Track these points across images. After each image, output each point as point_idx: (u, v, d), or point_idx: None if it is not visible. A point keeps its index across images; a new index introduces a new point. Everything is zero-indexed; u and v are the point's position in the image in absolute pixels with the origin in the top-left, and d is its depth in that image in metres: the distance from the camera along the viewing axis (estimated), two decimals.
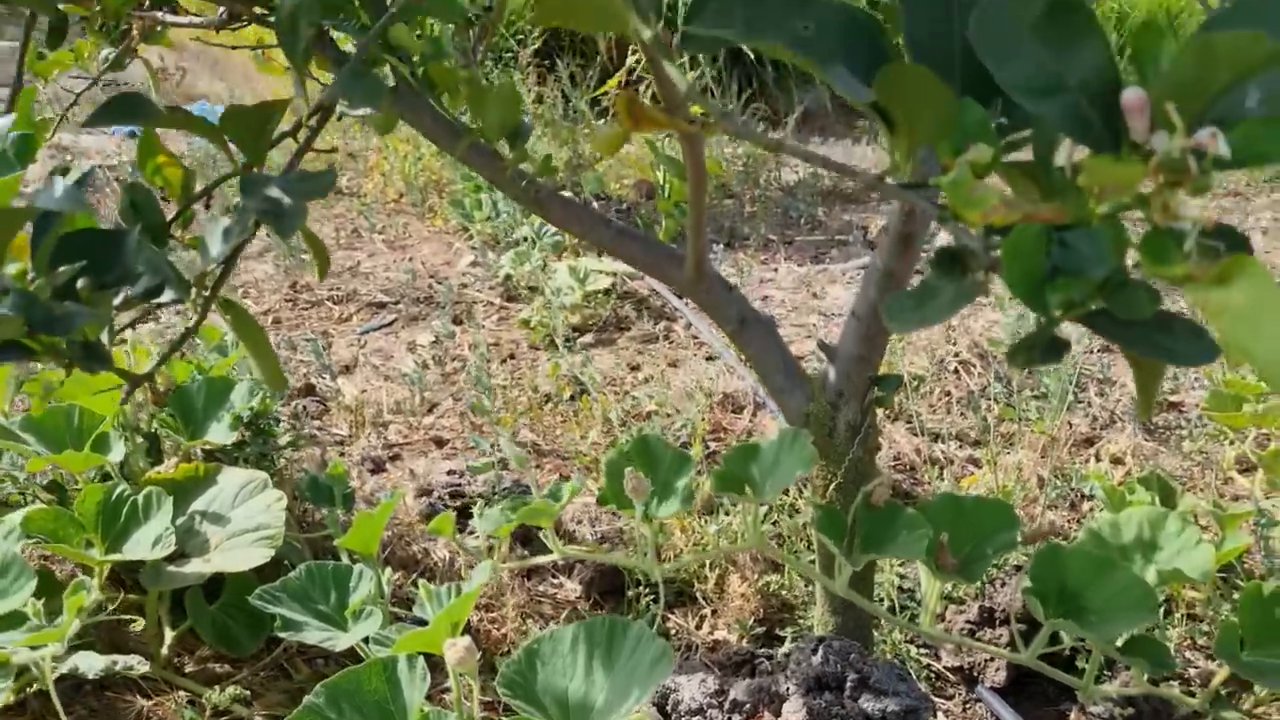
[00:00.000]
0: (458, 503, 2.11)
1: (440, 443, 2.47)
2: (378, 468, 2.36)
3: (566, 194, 4.10)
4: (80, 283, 0.73)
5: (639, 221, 3.78)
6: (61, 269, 0.72)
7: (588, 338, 3.15)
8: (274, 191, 0.78)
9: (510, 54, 6.29)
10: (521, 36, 6.73)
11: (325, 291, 3.48)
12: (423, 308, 3.42)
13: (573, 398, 2.67)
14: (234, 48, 1.59)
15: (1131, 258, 0.58)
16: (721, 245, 4.05)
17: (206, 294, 0.87)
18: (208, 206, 0.91)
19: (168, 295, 0.80)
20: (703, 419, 2.43)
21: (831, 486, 1.58)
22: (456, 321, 3.24)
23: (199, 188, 1.01)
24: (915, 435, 2.56)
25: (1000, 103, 0.64)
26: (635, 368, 2.93)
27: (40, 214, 0.70)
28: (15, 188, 0.89)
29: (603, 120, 5.66)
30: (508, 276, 3.53)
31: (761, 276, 3.86)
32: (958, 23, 0.64)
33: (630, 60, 5.09)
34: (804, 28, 0.65)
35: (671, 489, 1.55)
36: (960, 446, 2.57)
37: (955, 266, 0.64)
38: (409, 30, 1.47)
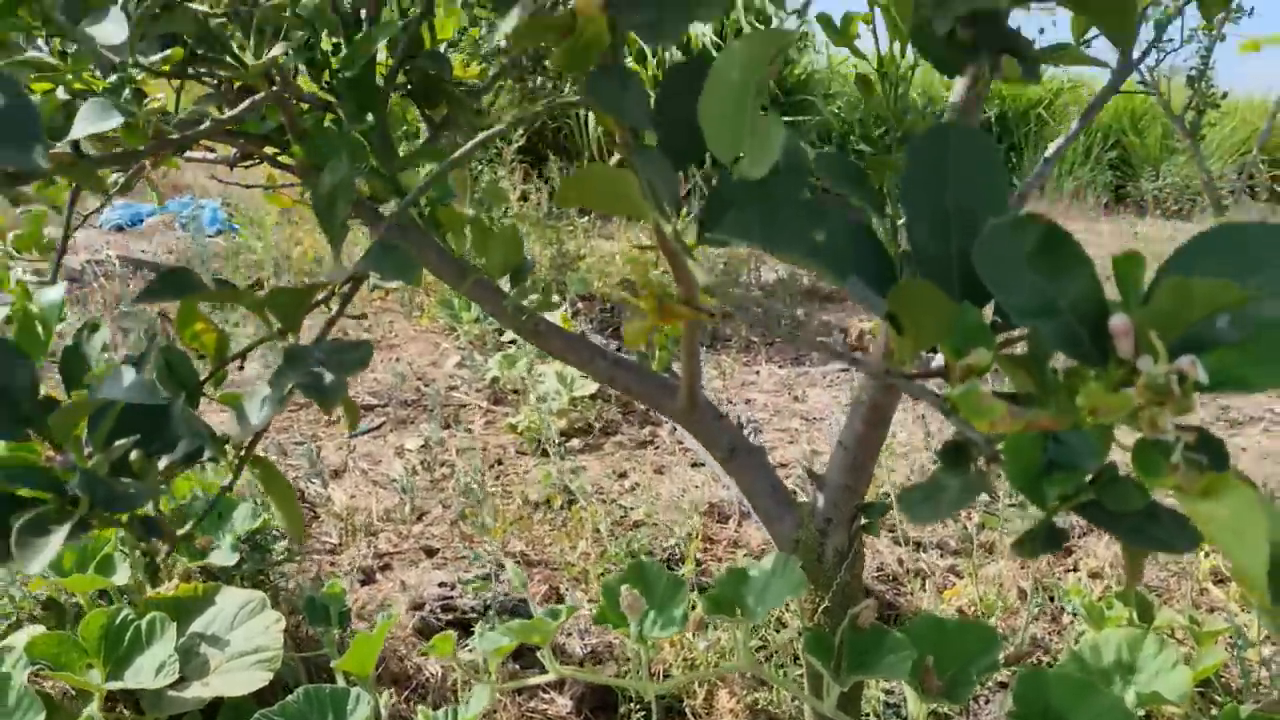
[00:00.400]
0: (450, 616, 2.13)
1: (430, 552, 2.50)
2: (368, 578, 2.37)
3: (556, 298, 4.16)
4: (133, 455, 0.78)
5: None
6: (118, 444, 0.76)
7: (575, 443, 3.20)
8: (316, 365, 0.83)
9: (495, 151, 6.42)
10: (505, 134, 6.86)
11: None
12: (411, 410, 3.45)
13: (562, 506, 2.70)
14: (248, 186, 1.65)
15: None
16: (704, 347, 4.12)
17: (241, 454, 0.91)
18: (241, 368, 0.96)
19: (206, 457, 0.85)
20: (694, 536, 2.47)
21: (819, 609, 1.62)
22: (444, 425, 3.28)
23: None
24: (898, 545, 2.60)
25: (994, 303, 0.71)
26: (622, 475, 2.97)
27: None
28: (48, 344, 0.94)
29: (586, 218, 5.77)
30: (495, 379, 3.58)
31: (744, 379, 3.92)
32: (954, 234, 0.71)
33: (613, 161, 5.20)
34: (818, 238, 0.71)
35: (666, 612, 1.58)
36: (941, 555, 2.61)
37: (960, 458, 0.70)
38: (417, 173, 1.54)
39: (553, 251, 5.11)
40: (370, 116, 1.43)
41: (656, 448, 3.18)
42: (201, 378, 0.95)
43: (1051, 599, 2.35)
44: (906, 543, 2.61)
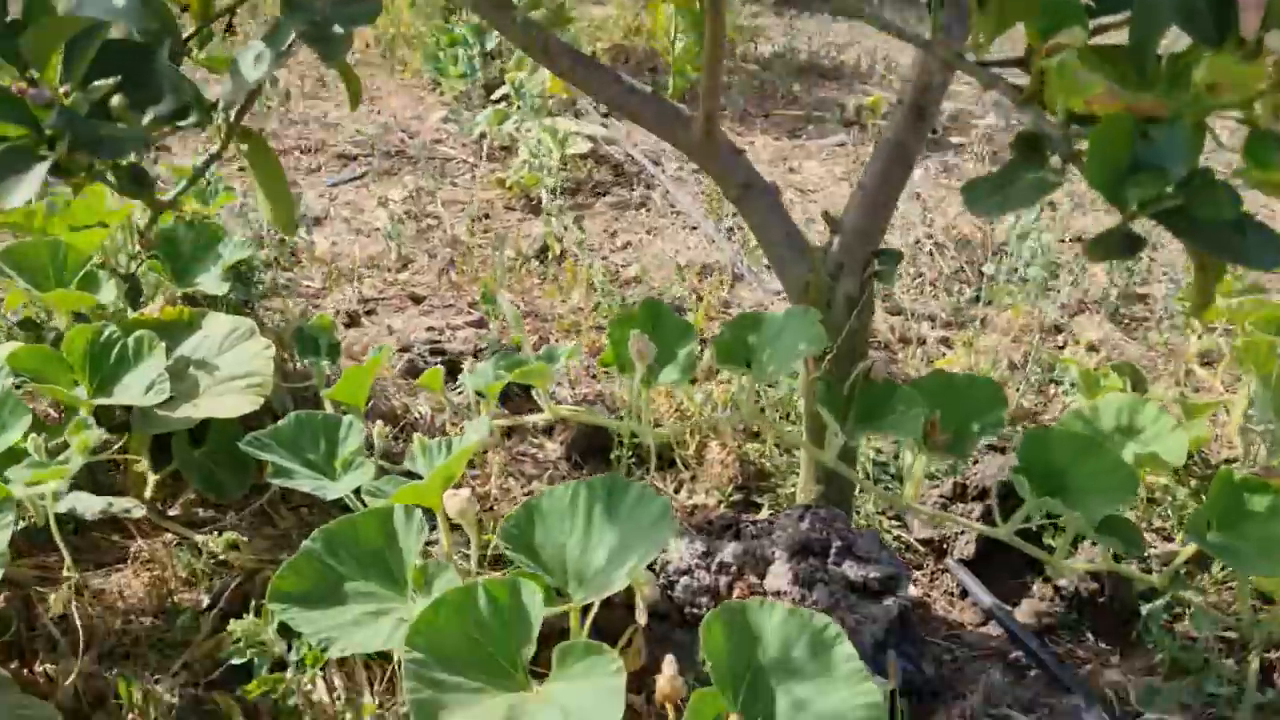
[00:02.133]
0: (438, 359, 2.10)
1: (417, 299, 2.44)
2: (353, 321, 2.33)
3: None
4: (114, 100, 0.70)
5: None
6: (96, 84, 0.68)
7: (565, 201, 3.11)
8: (319, 14, 0.74)
9: None
10: None
11: (293, 140, 3.39)
12: (394, 162, 3.34)
13: (553, 260, 2.64)
14: None
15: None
16: None
17: (230, 121, 0.83)
18: (229, 29, 0.87)
19: (191, 119, 0.77)
20: (696, 297, 2.42)
21: (826, 358, 1.59)
22: (430, 177, 3.17)
23: None
24: (890, 315, 2.57)
25: None
26: (613, 234, 2.90)
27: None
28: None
29: None
30: (482, 135, 3.45)
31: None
32: None
33: None
34: None
35: (674, 356, 1.55)
36: (933, 327, 2.59)
37: (1034, 154, 0.64)
38: None
39: None
40: None
41: (649, 210, 3.10)
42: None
43: (1042, 371, 2.34)
44: (899, 312, 2.58)
